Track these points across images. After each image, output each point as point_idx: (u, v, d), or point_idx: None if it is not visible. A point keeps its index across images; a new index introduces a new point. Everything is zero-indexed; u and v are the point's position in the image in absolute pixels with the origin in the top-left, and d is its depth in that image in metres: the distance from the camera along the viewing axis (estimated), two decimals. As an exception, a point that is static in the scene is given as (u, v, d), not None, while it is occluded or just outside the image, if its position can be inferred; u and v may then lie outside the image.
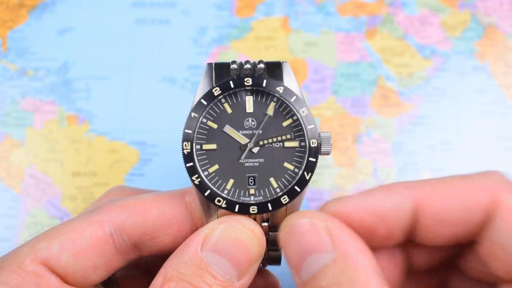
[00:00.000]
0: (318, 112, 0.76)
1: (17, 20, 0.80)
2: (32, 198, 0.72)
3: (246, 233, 0.43)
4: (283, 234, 0.42)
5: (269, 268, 0.55)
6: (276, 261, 0.50)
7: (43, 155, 0.74)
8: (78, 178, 0.73)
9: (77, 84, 0.77)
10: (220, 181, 0.45)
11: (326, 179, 0.73)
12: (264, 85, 0.45)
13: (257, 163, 0.45)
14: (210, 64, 0.47)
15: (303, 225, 0.41)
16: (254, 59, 0.70)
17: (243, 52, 0.79)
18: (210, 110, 0.46)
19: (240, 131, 0.46)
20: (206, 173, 0.45)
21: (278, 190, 0.45)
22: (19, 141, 0.74)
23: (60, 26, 0.80)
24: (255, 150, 0.45)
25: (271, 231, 0.46)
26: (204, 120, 0.46)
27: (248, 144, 0.45)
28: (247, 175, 0.45)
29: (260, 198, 0.45)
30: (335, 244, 0.39)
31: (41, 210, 0.72)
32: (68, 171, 0.73)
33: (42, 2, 0.81)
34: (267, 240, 0.47)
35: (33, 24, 0.80)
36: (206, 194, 0.44)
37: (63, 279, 0.43)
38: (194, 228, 0.46)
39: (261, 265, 0.51)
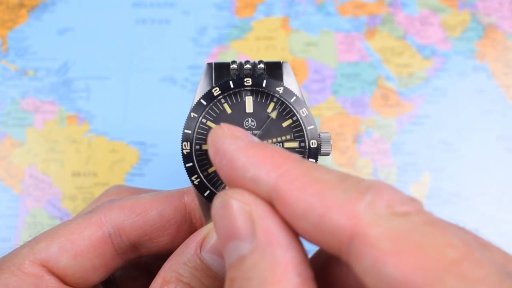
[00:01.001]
0: (318, 112, 0.76)
1: (17, 20, 0.80)
2: (32, 198, 0.72)
3: None
4: (214, 209, 0.35)
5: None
6: None
7: (43, 155, 0.74)
8: (78, 178, 0.73)
9: (77, 84, 0.77)
10: (220, 181, 0.45)
11: (326, 179, 0.73)
12: (264, 85, 0.45)
13: None
14: (209, 64, 0.47)
15: (231, 205, 0.34)
16: (254, 59, 0.71)
17: (243, 52, 0.79)
18: (209, 110, 0.46)
19: None
20: (205, 173, 0.45)
21: None
22: (19, 141, 0.74)
23: (60, 26, 0.80)
24: None
25: None
26: (204, 121, 0.46)
27: None
28: None
29: None
30: (256, 233, 0.33)
31: (41, 210, 0.72)
32: (68, 171, 0.73)
33: (42, 2, 0.81)
34: None
35: (33, 24, 0.80)
36: (205, 194, 0.44)
37: (63, 280, 0.43)
38: (193, 229, 0.46)
39: None
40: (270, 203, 0.33)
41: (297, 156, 0.33)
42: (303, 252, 0.32)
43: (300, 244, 0.33)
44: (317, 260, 0.38)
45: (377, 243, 0.28)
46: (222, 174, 0.34)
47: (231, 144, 0.34)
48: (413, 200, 0.29)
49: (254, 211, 0.33)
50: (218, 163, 0.34)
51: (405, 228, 0.28)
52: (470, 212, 0.72)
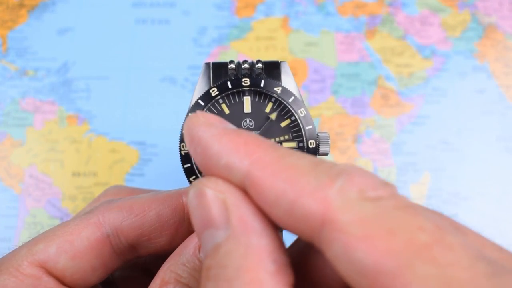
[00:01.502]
0: (318, 112, 0.76)
1: (17, 20, 0.81)
2: (32, 198, 0.72)
3: None
4: (189, 198, 0.35)
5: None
6: None
7: (43, 155, 0.74)
8: (78, 178, 0.73)
9: (77, 84, 0.77)
10: None
11: (326, 179, 0.73)
12: (262, 85, 0.45)
13: None
14: (207, 64, 0.47)
15: (205, 194, 0.33)
16: (253, 59, 0.70)
17: (243, 52, 0.79)
18: (207, 111, 0.46)
19: None
20: (203, 174, 0.45)
21: None
22: (19, 141, 0.74)
23: (60, 26, 0.80)
24: None
25: None
26: None
27: None
28: None
29: None
30: (230, 221, 0.32)
31: (41, 210, 0.72)
32: (68, 171, 0.73)
33: (42, 2, 0.82)
34: None
35: (33, 24, 0.81)
36: None
37: (61, 281, 0.43)
38: (192, 229, 0.46)
39: None
40: (244, 191, 0.32)
41: (271, 142, 0.33)
42: (279, 239, 0.32)
43: (275, 231, 0.32)
44: (295, 247, 0.38)
45: (347, 229, 0.28)
46: (198, 162, 0.34)
47: (205, 132, 0.34)
48: (386, 184, 0.29)
49: (228, 198, 0.33)
50: (193, 151, 0.34)
51: (376, 213, 0.27)
52: (470, 212, 0.72)
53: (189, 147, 0.35)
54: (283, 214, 0.30)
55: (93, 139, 0.75)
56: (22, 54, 0.79)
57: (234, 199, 0.33)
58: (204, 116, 0.35)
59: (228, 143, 0.33)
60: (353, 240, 0.27)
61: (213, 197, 0.33)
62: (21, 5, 0.81)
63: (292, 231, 0.31)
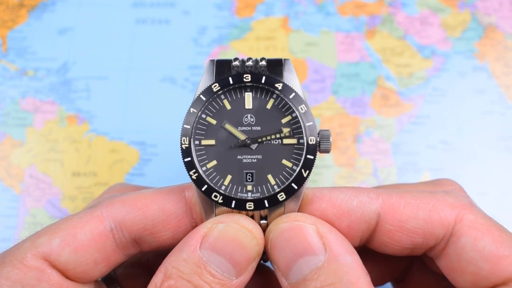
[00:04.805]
0: (318, 112, 0.76)
1: (17, 20, 0.81)
2: (32, 198, 0.72)
3: (244, 233, 0.43)
4: (272, 238, 0.43)
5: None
6: None
7: (43, 155, 0.74)
8: (78, 178, 0.73)
9: (77, 84, 0.77)
10: (218, 177, 0.45)
11: (326, 179, 0.73)
12: (263, 81, 0.45)
13: (255, 160, 0.45)
14: (212, 61, 0.47)
15: (292, 229, 0.42)
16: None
17: (243, 52, 0.79)
18: (209, 106, 0.46)
19: (239, 127, 0.46)
20: (204, 168, 0.45)
21: (275, 187, 0.45)
22: (19, 141, 0.74)
23: (60, 26, 0.80)
24: (254, 146, 0.45)
25: None
26: (203, 116, 0.46)
27: (247, 141, 0.45)
28: (244, 171, 0.45)
29: (257, 195, 0.45)
30: (326, 246, 0.41)
31: (41, 210, 0.72)
32: (68, 171, 0.73)
33: (42, 2, 0.82)
34: None
35: (33, 24, 0.81)
36: (203, 189, 0.44)
37: (64, 274, 0.43)
38: (194, 224, 0.46)
39: (261, 260, 0.51)
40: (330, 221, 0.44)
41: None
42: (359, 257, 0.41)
43: (355, 251, 0.42)
44: None
45: (474, 225, 0.42)
46: (325, 214, 0.44)
47: (320, 191, 0.45)
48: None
49: (320, 228, 0.42)
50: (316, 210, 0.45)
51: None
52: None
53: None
54: (421, 222, 0.43)
55: (93, 139, 0.75)
56: (22, 54, 0.79)
57: (325, 228, 0.42)
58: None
59: (348, 191, 0.45)
60: (479, 233, 0.41)
61: (309, 229, 0.42)
62: (21, 5, 0.81)
63: (412, 240, 0.44)
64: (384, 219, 0.44)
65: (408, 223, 0.44)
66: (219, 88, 0.45)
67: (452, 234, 0.43)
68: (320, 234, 0.41)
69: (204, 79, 0.47)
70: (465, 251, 0.42)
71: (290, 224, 0.42)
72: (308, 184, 0.46)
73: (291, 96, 0.45)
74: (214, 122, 0.46)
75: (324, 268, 0.39)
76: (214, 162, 0.45)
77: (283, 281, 0.42)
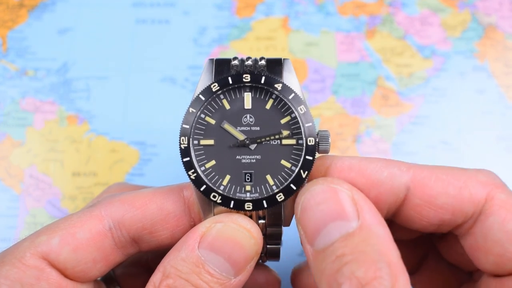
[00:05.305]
0: (318, 112, 0.76)
1: (17, 20, 0.81)
2: (32, 198, 0.72)
3: (242, 233, 0.43)
4: (303, 200, 0.41)
5: (270, 264, 0.55)
6: (275, 255, 0.50)
7: (43, 155, 0.74)
8: (78, 178, 0.73)
9: (77, 84, 0.77)
10: (217, 177, 0.45)
11: (326, 179, 0.73)
12: (262, 81, 0.45)
13: (254, 160, 0.45)
14: (211, 60, 0.47)
15: (327, 191, 0.41)
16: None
17: (243, 52, 0.79)
18: (208, 106, 0.46)
19: (238, 127, 0.46)
20: (203, 168, 0.45)
21: (274, 187, 0.45)
22: (19, 141, 0.74)
23: (60, 26, 0.81)
24: (253, 146, 0.46)
25: (269, 226, 0.46)
26: (202, 116, 0.46)
27: (245, 141, 0.45)
28: (243, 171, 0.45)
29: (256, 195, 0.45)
30: (359, 214, 0.39)
31: (41, 210, 0.72)
32: (68, 171, 0.73)
33: (42, 2, 0.82)
34: (265, 235, 0.47)
35: (33, 24, 0.81)
36: (201, 189, 0.44)
37: (63, 273, 0.43)
38: (192, 223, 0.46)
39: (260, 261, 0.51)
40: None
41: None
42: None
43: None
44: None
45: (504, 204, 0.41)
46: (354, 183, 0.43)
47: (350, 160, 0.44)
48: None
49: (356, 195, 0.41)
50: (346, 177, 0.43)
51: None
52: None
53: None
54: (451, 199, 0.42)
55: (93, 139, 0.75)
56: (22, 54, 0.79)
57: (360, 196, 0.41)
58: (330, 155, 0.46)
59: (379, 162, 0.44)
60: (509, 214, 0.41)
61: (344, 194, 0.40)
62: (21, 5, 0.81)
63: (440, 217, 0.43)
64: (413, 193, 0.43)
65: (438, 199, 0.43)
66: (218, 88, 0.45)
67: (481, 212, 0.42)
68: (355, 201, 0.40)
69: (203, 78, 0.47)
70: (492, 231, 0.41)
71: (325, 186, 0.41)
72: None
73: (290, 97, 0.45)
74: (213, 122, 0.46)
75: (355, 235, 0.38)
76: (213, 162, 0.46)
77: (308, 248, 0.40)
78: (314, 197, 0.41)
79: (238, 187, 0.45)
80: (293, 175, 0.45)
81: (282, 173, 0.45)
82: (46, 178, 0.73)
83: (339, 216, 0.39)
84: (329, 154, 0.46)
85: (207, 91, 0.45)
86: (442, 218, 0.44)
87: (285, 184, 0.45)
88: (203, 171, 0.45)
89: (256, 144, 0.46)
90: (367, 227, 0.38)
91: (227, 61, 0.47)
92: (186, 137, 0.45)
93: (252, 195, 0.45)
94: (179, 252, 0.42)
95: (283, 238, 0.49)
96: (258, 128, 0.46)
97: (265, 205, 0.44)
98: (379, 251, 0.36)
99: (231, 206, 0.44)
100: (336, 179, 0.42)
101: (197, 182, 0.44)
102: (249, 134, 0.46)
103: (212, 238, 0.42)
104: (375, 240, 0.38)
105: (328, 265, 0.37)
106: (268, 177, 0.45)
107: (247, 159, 0.46)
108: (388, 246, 0.38)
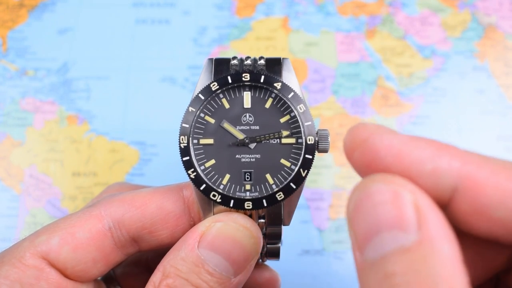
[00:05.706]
0: (318, 112, 0.76)
1: (17, 20, 0.81)
2: (32, 198, 0.72)
3: (242, 232, 0.43)
4: (356, 199, 0.33)
5: (270, 264, 0.55)
6: (275, 255, 0.50)
7: (43, 155, 0.74)
8: (78, 178, 0.73)
9: (77, 84, 0.77)
10: (217, 176, 0.45)
11: (326, 179, 0.73)
12: (262, 81, 0.45)
13: (254, 159, 0.45)
14: (210, 60, 0.47)
15: (383, 193, 0.32)
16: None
17: (243, 52, 0.79)
18: (207, 105, 0.46)
19: (238, 127, 0.46)
20: (202, 167, 0.45)
21: (274, 186, 0.45)
22: (19, 141, 0.74)
23: (60, 26, 0.81)
24: (252, 146, 0.45)
25: (269, 225, 0.46)
26: (202, 115, 0.46)
27: (245, 140, 0.45)
28: (243, 170, 0.45)
29: (255, 194, 0.45)
30: (421, 225, 0.31)
31: (41, 210, 0.72)
32: (68, 171, 0.73)
33: (42, 2, 0.82)
34: (265, 235, 0.47)
35: (33, 24, 0.81)
36: (201, 188, 0.44)
37: (63, 273, 0.43)
38: (192, 223, 0.46)
39: (260, 260, 0.51)
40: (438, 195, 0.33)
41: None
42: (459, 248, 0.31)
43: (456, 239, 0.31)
44: None
45: None
46: (389, 170, 0.33)
47: (391, 139, 0.33)
48: None
49: (420, 200, 0.32)
50: (381, 161, 0.33)
51: None
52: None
53: (364, 157, 0.34)
54: (509, 213, 0.31)
55: (93, 139, 0.75)
56: (22, 54, 0.79)
57: (425, 201, 0.32)
58: (371, 124, 0.34)
59: (427, 148, 0.32)
60: None
61: (406, 197, 0.32)
62: (21, 5, 0.81)
63: (491, 230, 0.32)
64: (462, 196, 0.33)
65: (494, 210, 0.32)
66: (217, 87, 0.45)
67: None
68: (418, 208, 0.31)
69: (203, 78, 0.47)
70: None
71: (385, 186, 0.32)
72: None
73: (289, 96, 0.45)
74: (212, 121, 0.46)
75: (412, 250, 0.30)
76: (213, 161, 0.45)
77: (357, 255, 0.33)
78: (371, 197, 0.33)
79: (238, 186, 0.45)
80: (293, 174, 0.45)
81: (282, 172, 0.45)
82: (46, 178, 0.73)
83: (396, 225, 0.31)
84: (368, 123, 0.36)
85: (206, 90, 0.45)
86: (494, 232, 0.33)
87: (285, 183, 0.44)
88: (202, 170, 0.45)
89: (255, 143, 0.46)
90: (428, 242, 0.30)
91: (226, 61, 0.47)
92: (186, 137, 0.45)
93: (251, 194, 0.45)
94: (178, 251, 0.42)
95: (283, 237, 0.49)
96: (257, 127, 0.46)
97: (265, 204, 0.44)
98: (438, 275, 0.29)
99: (231, 205, 0.44)
100: (398, 178, 0.33)
101: (197, 181, 0.44)
102: (249, 133, 0.46)
103: (212, 237, 0.42)
104: (436, 259, 0.29)
105: (373, 283, 0.31)
106: (268, 176, 0.45)
107: (247, 158, 0.45)
108: (453, 269, 0.29)
